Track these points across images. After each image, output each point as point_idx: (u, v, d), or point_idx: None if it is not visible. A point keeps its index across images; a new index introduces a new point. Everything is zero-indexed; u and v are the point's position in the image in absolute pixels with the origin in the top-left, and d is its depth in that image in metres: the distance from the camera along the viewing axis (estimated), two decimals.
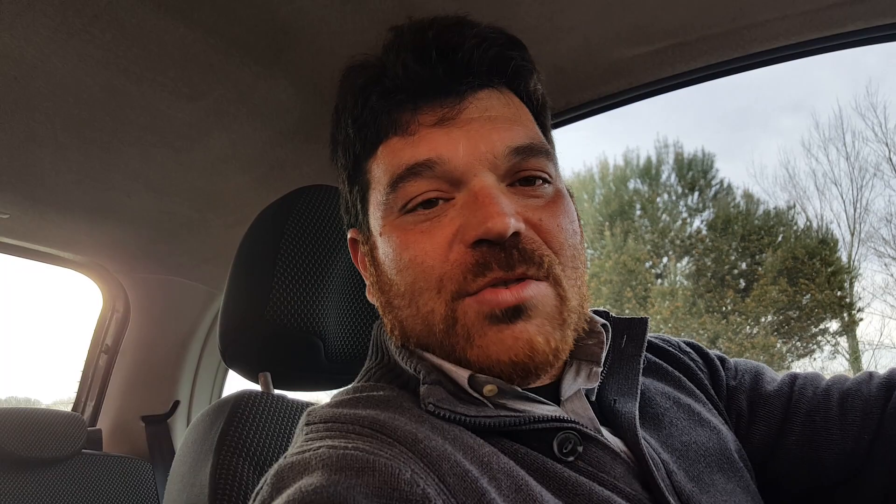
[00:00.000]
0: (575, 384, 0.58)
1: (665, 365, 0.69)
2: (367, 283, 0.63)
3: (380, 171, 0.57)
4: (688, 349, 0.73)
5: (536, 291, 0.52)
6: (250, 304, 0.82)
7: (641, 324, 0.63)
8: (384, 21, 0.90)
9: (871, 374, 0.68)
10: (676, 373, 0.69)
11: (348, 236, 0.65)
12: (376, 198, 0.57)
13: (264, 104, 1.10)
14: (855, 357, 13.11)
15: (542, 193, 0.56)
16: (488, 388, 0.53)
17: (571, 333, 0.55)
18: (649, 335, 0.66)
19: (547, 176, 0.56)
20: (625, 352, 0.62)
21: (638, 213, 14.29)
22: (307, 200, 0.88)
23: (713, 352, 0.74)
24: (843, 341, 13.36)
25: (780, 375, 0.72)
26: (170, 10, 0.87)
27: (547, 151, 0.56)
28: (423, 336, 0.56)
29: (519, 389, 0.53)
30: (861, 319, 13.23)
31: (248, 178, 1.32)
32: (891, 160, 12.92)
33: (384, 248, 0.56)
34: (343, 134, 0.61)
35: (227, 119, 1.12)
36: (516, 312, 0.51)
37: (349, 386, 0.62)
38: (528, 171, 0.55)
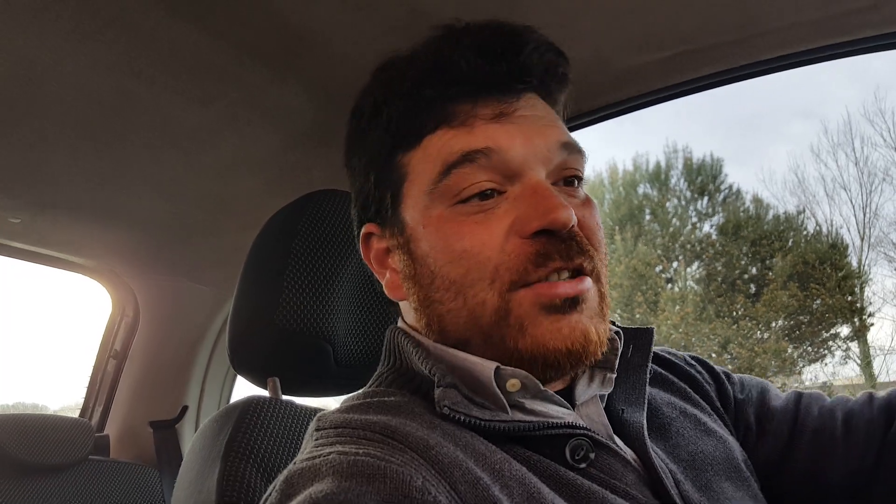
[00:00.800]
0: (589, 390, 0.58)
1: (670, 376, 0.69)
2: (386, 279, 0.62)
3: (424, 162, 0.57)
4: (693, 362, 0.74)
5: (588, 286, 0.54)
6: (260, 308, 0.82)
7: (647, 333, 0.63)
8: (395, 28, 0.91)
9: (871, 396, 0.69)
10: (682, 384, 0.69)
11: (361, 232, 0.63)
12: (417, 189, 0.57)
13: (276, 108, 1.11)
14: (866, 362, 12.99)
15: (578, 194, 0.58)
16: (511, 383, 0.53)
17: (607, 329, 0.56)
18: (654, 347, 0.67)
19: (582, 177, 0.58)
20: (631, 361, 0.62)
21: (648, 217, 14.23)
22: (318, 205, 0.89)
23: (718, 367, 0.74)
24: (855, 346, 13.25)
25: (783, 393, 0.73)
26: (183, 15, 0.87)
27: (583, 152, 0.59)
28: (466, 330, 0.55)
29: (541, 387, 0.53)
30: (872, 324, 13.09)
31: (259, 181, 1.33)
32: None
33: (430, 240, 0.55)
34: (379, 127, 0.59)
35: (239, 123, 1.13)
36: (573, 303, 0.52)
37: (360, 391, 0.62)
38: (570, 169, 0.57)
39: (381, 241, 0.62)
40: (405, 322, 0.63)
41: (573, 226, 0.53)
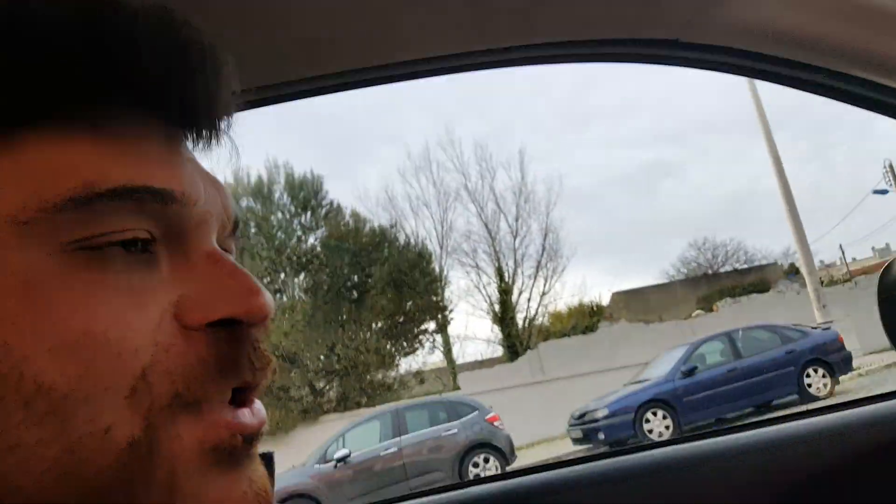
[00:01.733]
0: None
1: None
2: None
3: (26, 170, 0.33)
4: None
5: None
6: None
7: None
8: None
9: None
10: None
11: None
12: None
13: None
14: (447, 349, 16.19)
15: None
16: None
17: None
18: None
19: None
20: None
21: (253, 231, 14.78)
22: None
23: None
24: (439, 338, 16.33)
25: None
26: None
27: None
28: (51, 490, 0.31)
29: None
30: (452, 319, 16.51)
31: None
32: (466, 187, 16.88)
33: (8, 311, 0.31)
34: None
35: None
36: (250, 446, 0.36)
37: None
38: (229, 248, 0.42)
39: None
40: None
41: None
